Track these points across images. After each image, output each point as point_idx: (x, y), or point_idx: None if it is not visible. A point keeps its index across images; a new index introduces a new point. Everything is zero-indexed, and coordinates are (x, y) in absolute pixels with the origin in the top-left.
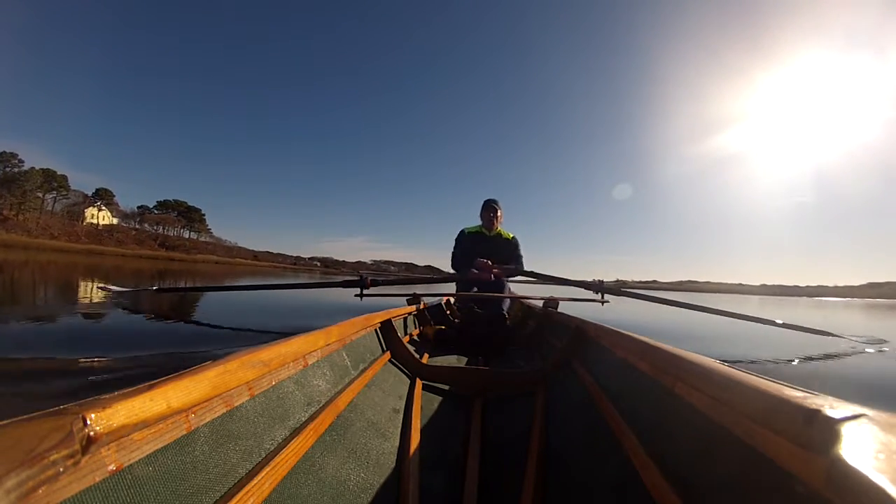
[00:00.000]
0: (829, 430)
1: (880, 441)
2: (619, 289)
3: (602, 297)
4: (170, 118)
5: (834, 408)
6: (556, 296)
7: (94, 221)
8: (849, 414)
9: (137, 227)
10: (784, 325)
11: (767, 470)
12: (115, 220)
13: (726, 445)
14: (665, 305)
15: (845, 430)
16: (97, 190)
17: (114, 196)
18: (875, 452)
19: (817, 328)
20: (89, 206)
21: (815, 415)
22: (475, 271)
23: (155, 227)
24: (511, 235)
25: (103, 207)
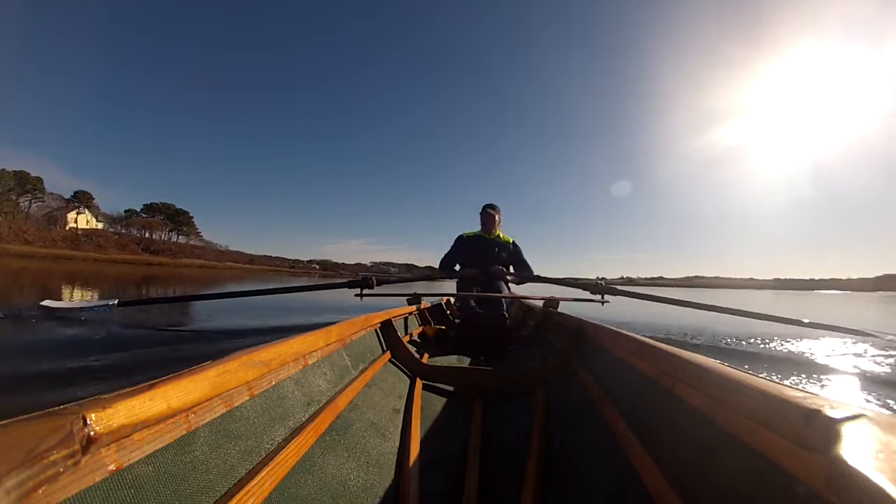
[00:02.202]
0: (829, 430)
1: (880, 441)
2: (621, 289)
3: (602, 297)
4: (168, 122)
5: (834, 408)
6: (556, 296)
7: (82, 225)
8: (849, 414)
9: (121, 230)
10: (812, 325)
11: (767, 470)
12: (100, 225)
13: (726, 445)
14: (671, 305)
15: (845, 430)
16: (75, 192)
17: (93, 198)
18: (875, 452)
19: (850, 327)
20: (72, 211)
21: (815, 415)
22: (470, 270)
23: (141, 232)
24: (510, 239)
25: (85, 211)
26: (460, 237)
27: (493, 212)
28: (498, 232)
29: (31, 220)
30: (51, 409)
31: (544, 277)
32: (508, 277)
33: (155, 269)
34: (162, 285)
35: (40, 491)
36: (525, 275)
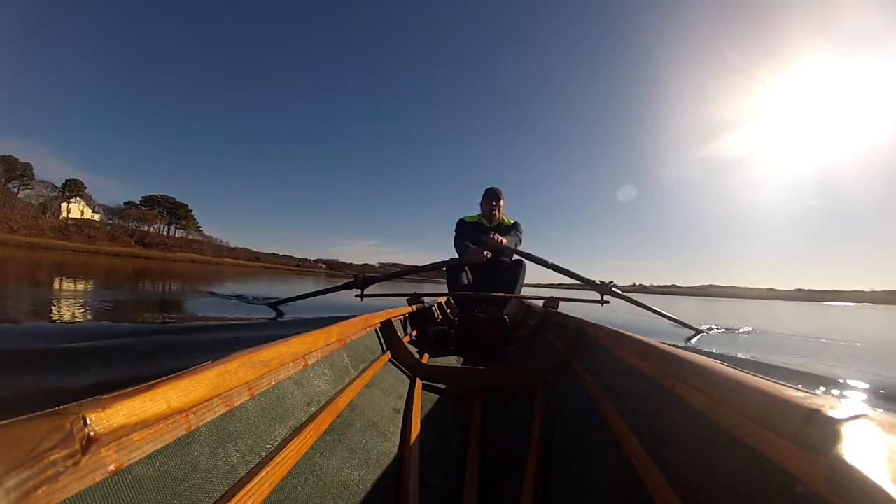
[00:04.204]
0: (829, 430)
1: (880, 441)
2: (622, 294)
3: (602, 297)
4: (183, 121)
5: (834, 408)
6: (556, 296)
7: (74, 215)
8: (849, 414)
9: (112, 222)
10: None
11: (767, 470)
12: (96, 216)
13: (726, 445)
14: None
15: (845, 430)
16: (67, 180)
17: (84, 187)
18: (875, 453)
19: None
20: (66, 200)
21: (815, 415)
22: (473, 246)
23: (138, 224)
24: (512, 221)
25: (79, 201)
26: (462, 221)
27: (495, 195)
28: (500, 217)
29: (17, 207)
30: (51, 410)
31: (534, 256)
32: (503, 242)
33: (141, 263)
34: (135, 281)
35: (40, 491)
36: (514, 247)
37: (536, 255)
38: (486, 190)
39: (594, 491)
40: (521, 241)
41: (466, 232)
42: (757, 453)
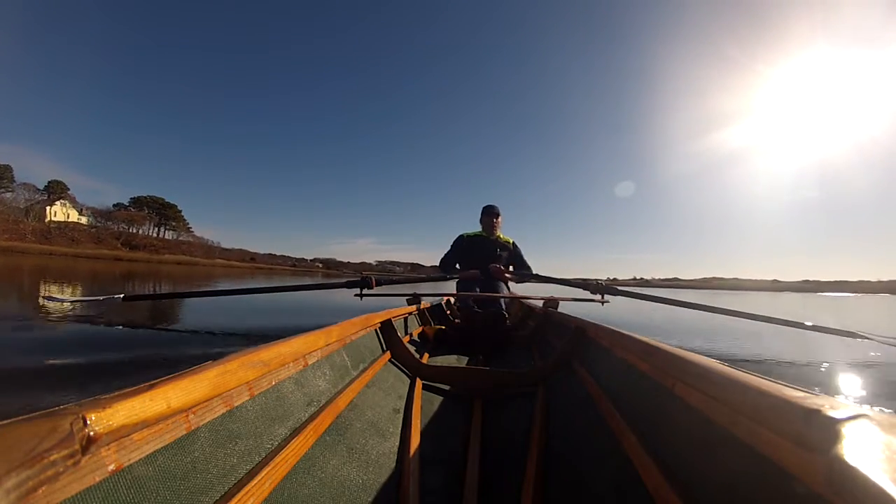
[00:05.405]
0: (829, 430)
1: (880, 441)
2: (618, 289)
3: (602, 297)
4: (182, 122)
5: (834, 408)
6: (556, 296)
7: (61, 219)
8: (849, 414)
9: (97, 224)
10: (814, 328)
11: (767, 470)
12: (83, 219)
13: (726, 445)
14: (676, 307)
15: (845, 430)
16: (49, 183)
17: (68, 189)
18: (875, 452)
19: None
20: (51, 203)
21: (815, 415)
22: (473, 271)
23: (127, 226)
24: (510, 240)
25: (65, 203)
26: (461, 237)
27: (494, 212)
28: (499, 233)
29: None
30: (51, 409)
31: (544, 276)
32: (508, 276)
33: (123, 266)
34: (112, 286)
35: (40, 491)
36: (525, 273)
37: (542, 273)
38: (485, 207)
39: (594, 491)
40: (526, 263)
41: (466, 247)
42: (757, 453)
